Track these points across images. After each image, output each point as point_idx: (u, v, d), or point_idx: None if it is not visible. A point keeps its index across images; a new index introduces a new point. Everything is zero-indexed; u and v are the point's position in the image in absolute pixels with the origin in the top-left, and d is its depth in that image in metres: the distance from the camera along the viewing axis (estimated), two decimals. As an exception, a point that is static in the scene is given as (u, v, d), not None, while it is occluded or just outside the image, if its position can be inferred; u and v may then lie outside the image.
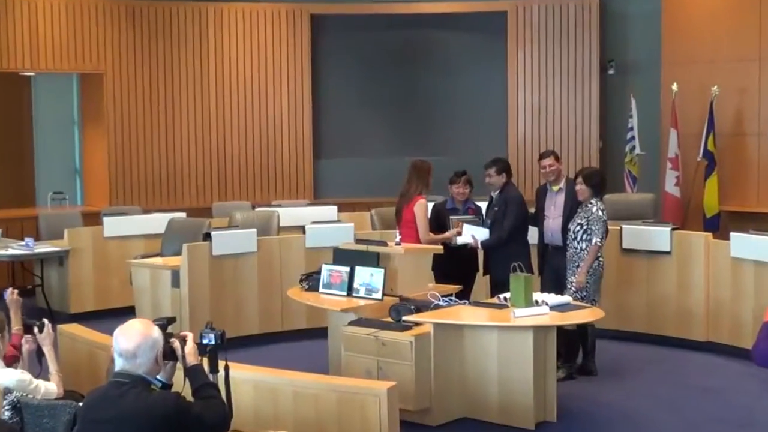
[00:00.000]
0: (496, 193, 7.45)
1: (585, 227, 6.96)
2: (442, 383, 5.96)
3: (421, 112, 12.74)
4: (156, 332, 3.57)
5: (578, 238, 6.98)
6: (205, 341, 3.88)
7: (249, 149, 12.41)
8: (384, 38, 12.77)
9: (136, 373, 3.49)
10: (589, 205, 6.99)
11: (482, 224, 7.46)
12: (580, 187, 7.00)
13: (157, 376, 3.62)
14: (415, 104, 12.76)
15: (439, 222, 7.69)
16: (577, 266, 6.98)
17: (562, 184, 7.37)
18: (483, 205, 7.77)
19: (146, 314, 8.17)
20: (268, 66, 12.43)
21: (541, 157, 7.52)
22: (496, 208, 7.40)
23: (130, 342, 3.52)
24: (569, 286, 6.97)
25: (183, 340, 3.70)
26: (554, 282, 7.15)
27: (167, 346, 3.64)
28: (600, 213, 6.95)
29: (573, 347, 7.13)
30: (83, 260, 9.48)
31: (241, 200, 11.92)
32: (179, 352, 3.67)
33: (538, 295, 6.28)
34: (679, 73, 11.08)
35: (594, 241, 6.91)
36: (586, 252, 6.95)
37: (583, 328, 7.04)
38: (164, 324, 3.75)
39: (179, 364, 3.72)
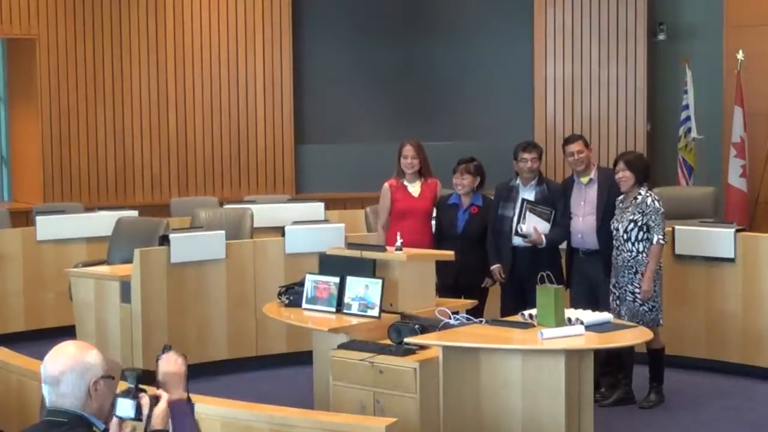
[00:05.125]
0: (533, 184, 7.50)
1: (641, 224, 7.01)
2: (454, 419, 5.97)
3: (425, 87, 12.75)
4: (93, 358, 3.50)
5: (633, 239, 7.03)
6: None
7: (215, 134, 12.41)
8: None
9: (71, 409, 3.46)
10: (640, 197, 7.05)
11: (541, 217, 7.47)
12: (624, 174, 7.08)
13: (98, 420, 3.56)
14: (419, 78, 12.77)
15: (440, 221, 7.81)
16: (635, 273, 7.05)
17: (593, 174, 7.47)
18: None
19: (89, 335, 8.20)
20: (240, 33, 12.43)
21: (567, 141, 7.63)
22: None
23: (56, 365, 3.48)
24: (629, 298, 7.03)
25: (155, 399, 3.60)
26: (587, 295, 7.21)
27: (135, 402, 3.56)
28: (657, 204, 7.04)
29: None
30: (11, 269, 9.48)
31: (206, 195, 11.93)
32: (145, 410, 3.53)
33: (571, 312, 6.29)
34: (745, 38, 11.08)
35: (656, 239, 7.00)
36: (644, 255, 7.01)
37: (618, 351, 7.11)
38: (137, 376, 3.67)
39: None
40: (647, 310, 7.02)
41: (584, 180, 7.46)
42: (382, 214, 8.03)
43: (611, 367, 7.33)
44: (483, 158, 7.91)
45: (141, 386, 3.59)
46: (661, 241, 7.02)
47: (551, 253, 7.48)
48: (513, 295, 7.45)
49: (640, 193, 7.07)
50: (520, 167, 7.54)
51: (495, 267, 7.56)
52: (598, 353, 6.57)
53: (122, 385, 3.61)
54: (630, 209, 7.08)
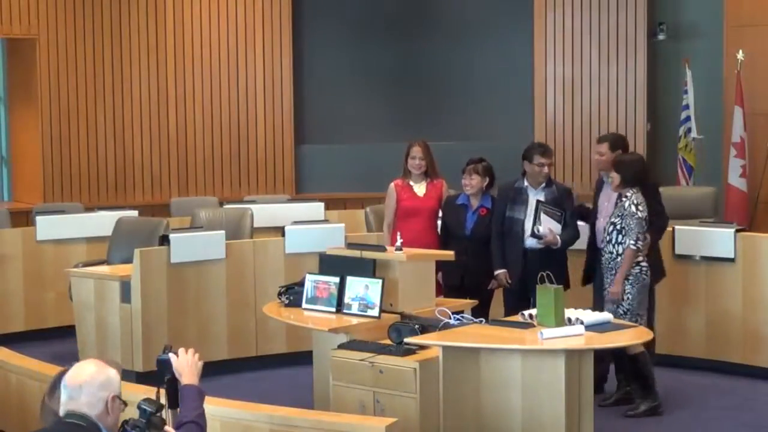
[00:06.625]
0: (542, 186, 7.49)
1: (619, 227, 7.00)
2: (454, 419, 5.97)
3: (426, 88, 12.75)
4: (113, 373, 3.62)
5: (613, 241, 7.03)
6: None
7: (215, 134, 12.41)
8: (381, -1, 12.84)
9: (88, 414, 3.50)
10: (623, 199, 7.03)
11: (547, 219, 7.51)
12: (612, 175, 7.08)
13: None
14: (420, 79, 12.77)
15: (447, 220, 7.81)
16: (614, 275, 7.04)
17: None
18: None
19: (89, 335, 8.20)
20: (240, 32, 12.43)
21: (597, 140, 7.74)
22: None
23: (80, 376, 3.59)
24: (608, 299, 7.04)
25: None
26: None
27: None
28: (633, 209, 6.98)
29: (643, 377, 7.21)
30: (11, 269, 9.47)
31: (206, 195, 11.93)
32: None
33: (571, 312, 6.29)
34: (745, 38, 11.09)
35: (627, 243, 6.96)
36: (622, 257, 7.00)
37: (619, 351, 7.10)
38: (149, 412, 3.65)
39: None
40: (622, 313, 6.94)
41: (611, 180, 7.40)
42: (387, 213, 8.07)
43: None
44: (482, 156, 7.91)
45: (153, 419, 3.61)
46: (632, 246, 6.94)
47: (561, 254, 7.48)
48: (518, 296, 7.43)
49: (625, 195, 7.05)
50: (536, 171, 7.45)
51: (501, 272, 7.52)
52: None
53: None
54: (615, 212, 7.08)
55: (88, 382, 3.55)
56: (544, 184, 7.50)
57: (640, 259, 7.03)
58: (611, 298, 6.99)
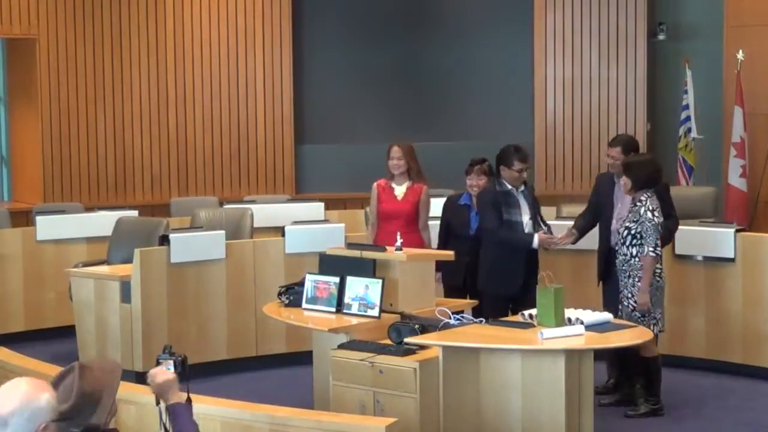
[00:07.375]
0: (522, 188, 7.47)
1: (634, 232, 6.97)
2: (454, 420, 5.97)
3: (426, 88, 12.75)
4: (44, 401, 3.33)
5: (628, 243, 7.00)
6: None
7: (216, 133, 12.41)
8: (382, -1, 12.84)
9: None
10: (638, 204, 6.99)
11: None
12: (623, 179, 7.06)
13: None
14: (420, 79, 12.77)
15: (449, 220, 7.78)
16: (628, 276, 7.02)
17: None
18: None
19: (89, 335, 8.21)
20: (240, 32, 12.42)
21: (609, 143, 7.72)
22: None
23: (7, 404, 3.31)
24: (624, 302, 7.03)
25: None
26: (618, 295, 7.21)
27: None
28: (650, 215, 6.95)
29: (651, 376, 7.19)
30: (11, 269, 9.48)
31: (206, 195, 11.93)
32: None
33: (571, 312, 6.29)
34: (745, 38, 11.09)
35: (646, 251, 6.93)
36: (636, 260, 6.98)
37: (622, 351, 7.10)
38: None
39: None
40: (639, 316, 6.96)
41: (623, 184, 7.36)
42: (371, 213, 8.16)
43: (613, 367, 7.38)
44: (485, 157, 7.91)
45: None
46: (651, 254, 6.92)
47: (536, 253, 7.47)
48: (504, 300, 7.43)
49: (640, 200, 7.02)
50: (515, 176, 7.39)
51: (538, 233, 7.33)
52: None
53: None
54: (629, 216, 7.06)
55: (13, 413, 3.29)
56: (523, 186, 7.50)
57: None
58: (640, 309, 6.94)
